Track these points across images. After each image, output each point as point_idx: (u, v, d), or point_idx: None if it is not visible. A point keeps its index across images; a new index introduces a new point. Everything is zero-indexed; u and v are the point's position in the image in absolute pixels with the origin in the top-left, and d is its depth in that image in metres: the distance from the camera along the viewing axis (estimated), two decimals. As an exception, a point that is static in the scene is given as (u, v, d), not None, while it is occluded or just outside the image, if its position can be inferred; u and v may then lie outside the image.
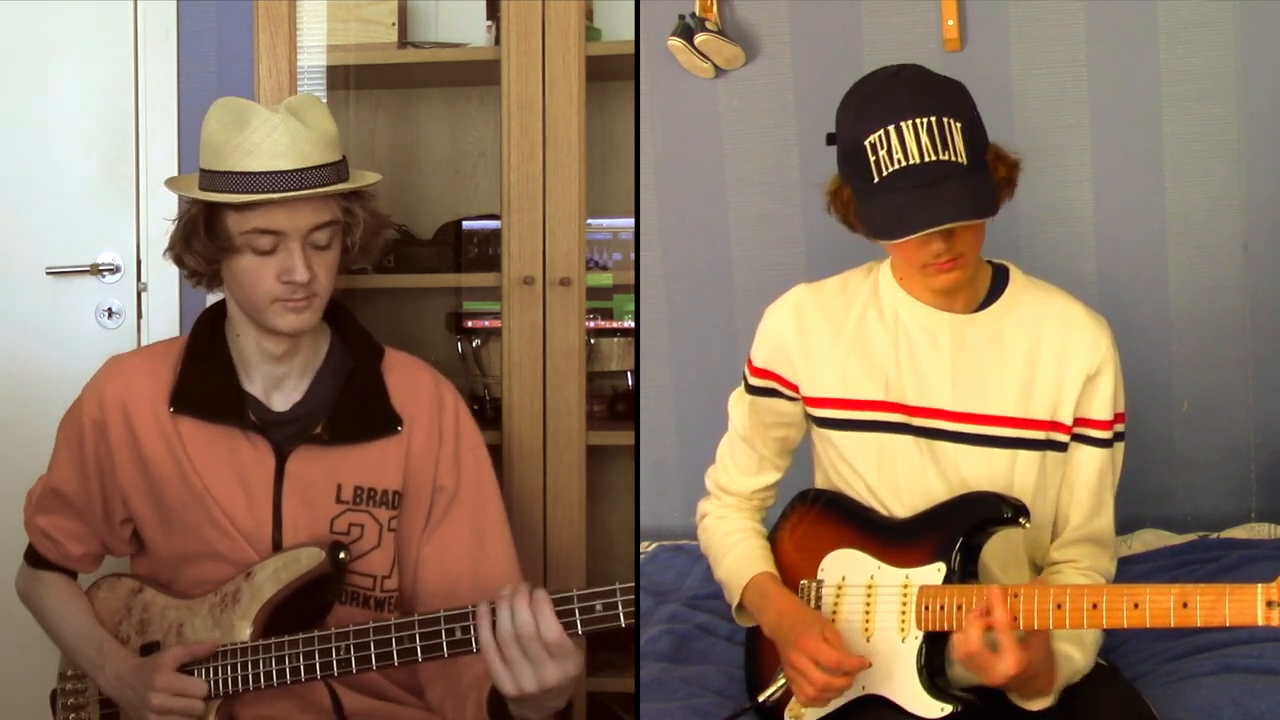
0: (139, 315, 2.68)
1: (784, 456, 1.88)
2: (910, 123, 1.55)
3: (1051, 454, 1.71)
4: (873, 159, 1.57)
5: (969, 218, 1.56)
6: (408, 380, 1.91)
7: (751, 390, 1.83)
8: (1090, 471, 1.72)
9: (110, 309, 2.68)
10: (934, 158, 1.54)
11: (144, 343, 2.65)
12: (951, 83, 1.61)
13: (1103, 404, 1.70)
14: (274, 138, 1.74)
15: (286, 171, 1.74)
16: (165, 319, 2.66)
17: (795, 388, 1.78)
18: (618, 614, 1.56)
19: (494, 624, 1.57)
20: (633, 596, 1.56)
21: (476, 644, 1.60)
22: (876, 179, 1.57)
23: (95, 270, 2.67)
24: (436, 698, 1.83)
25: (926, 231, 1.54)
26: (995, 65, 2.46)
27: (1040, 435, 1.70)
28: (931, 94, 1.58)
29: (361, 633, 1.67)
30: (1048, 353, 1.69)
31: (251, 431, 1.83)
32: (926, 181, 1.54)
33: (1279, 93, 2.39)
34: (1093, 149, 2.46)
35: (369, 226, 1.85)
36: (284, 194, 1.73)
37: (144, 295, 2.67)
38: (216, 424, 1.83)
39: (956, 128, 1.56)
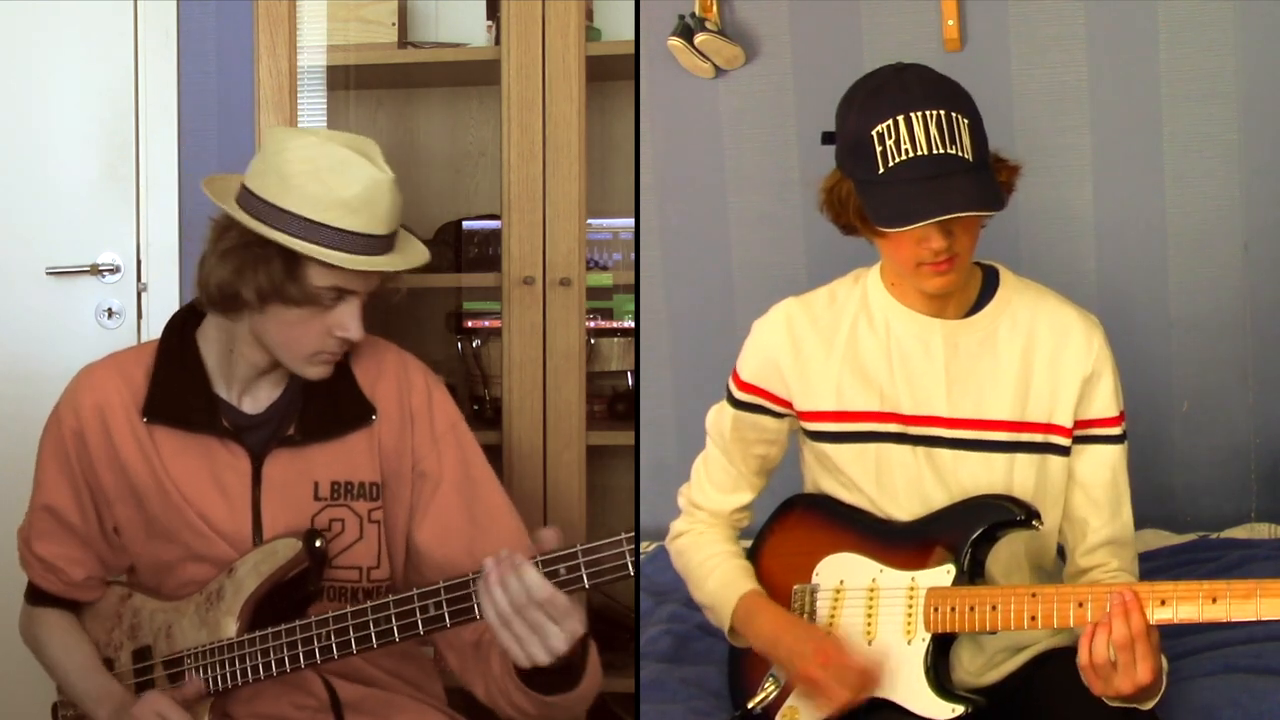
0: (139, 315, 2.68)
1: (761, 476, 1.85)
2: (920, 114, 1.54)
3: (1053, 458, 1.69)
4: (879, 149, 1.55)
5: (980, 209, 1.54)
6: (373, 366, 1.88)
7: (737, 405, 1.80)
8: (1105, 470, 1.70)
9: (110, 309, 2.68)
10: (942, 150, 1.53)
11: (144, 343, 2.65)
12: (956, 83, 1.60)
13: (1105, 402, 1.69)
14: (377, 197, 1.71)
15: (385, 236, 1.73)
16: (165, 319, 2.64)
17: (786, 403, 1.76)
18: (580, 576, 1.53)
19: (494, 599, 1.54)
20: (593, 559, 1.53)
21: (480, 615, 1.58)
22: (882, 169, 1.55)
23: (95, 270, 2.67)
24: (456, 663, 1.82)
25: (934, 220, 1.52)
26: (995, 65, 2.46)
27: (1038, 438, 1.69)
28: (941, 90, 1.57)
29: (340, 618, 1.67)
30: (1042, 356, 1.68)
31: (226, 438, 1.82)
32: (933, 174, 1.53)
33: (1279, 93, 2.39)
34: (1093, 149, 2.46)
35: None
36: (395, 268, 1.73)
37: (144, 295, 2.67)
38: (190, 432, 1.82)
39: (964, 124, 1.55)
